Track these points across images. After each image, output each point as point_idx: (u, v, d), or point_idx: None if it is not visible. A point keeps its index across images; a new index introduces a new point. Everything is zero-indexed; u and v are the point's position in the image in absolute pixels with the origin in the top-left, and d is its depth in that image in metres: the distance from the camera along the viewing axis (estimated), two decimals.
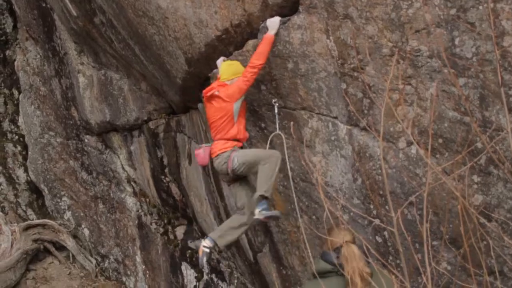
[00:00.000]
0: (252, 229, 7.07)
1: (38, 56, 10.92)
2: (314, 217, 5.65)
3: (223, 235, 5.39)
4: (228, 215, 7.46)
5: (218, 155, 5.39)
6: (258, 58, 5.19)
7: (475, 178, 4.24)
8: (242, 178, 5.56)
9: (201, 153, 5.63)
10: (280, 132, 5.50)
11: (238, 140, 5.45)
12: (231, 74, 5.47)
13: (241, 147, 5.53)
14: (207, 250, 5.31)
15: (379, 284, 3.55)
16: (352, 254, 3.74)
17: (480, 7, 4.00)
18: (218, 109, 5.39)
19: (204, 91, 5.57)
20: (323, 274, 3.79)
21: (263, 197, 5.14)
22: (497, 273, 4.11)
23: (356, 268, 3.67)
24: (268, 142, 5.59)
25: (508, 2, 3.91)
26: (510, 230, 4.13)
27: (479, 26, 4.02)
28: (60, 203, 10.91)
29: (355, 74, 4.84)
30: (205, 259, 5.30)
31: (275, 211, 5.35)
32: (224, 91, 5.34)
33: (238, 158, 5.26)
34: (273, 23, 5.25)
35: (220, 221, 7.76)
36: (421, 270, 3.60)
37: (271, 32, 5.23)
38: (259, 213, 5.14)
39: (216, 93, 5.36)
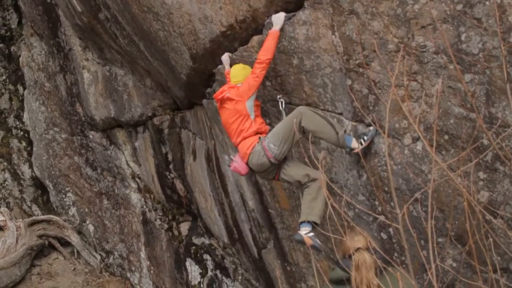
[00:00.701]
0: (257, 225, 7.08)
1: (43, 52, 10.93)
2: None
3: (310, 211, 4.97)
4: (232, 212, 7.47)
5: (250, 153, 5.16)
6: (265, 54, 5.15)
7: (481, 174, 4.22)
8: (283, 161, 5.22)
9: (237, 163, 5.35)
10: None
11: (260, 133, 5.25)
12: (244, 77, 5.37)
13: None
14: (311, 234, 4.89)
15: None
16: (362, 262, 3.60)
17: (487, 3, 3.97)
18: (231, 112, 5.29)
19: (215, 95, 5.49)
20: (340, 282, 3.67)
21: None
22: (498, 270, 4.10)
23: (364, 278, 3.54)
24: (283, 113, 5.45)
25: None
26: None
27: (486, 21, 3.99)
28: (65, 199, 10.94)
29: (361, 70, 4.82)
30: (317, 240, 4.88)
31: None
32: (235, 91, 5.28)
33: (273, 142, 5.02)
34: (278, 19, 5.22)
35: (225, 217, 7.77)
36: (427, 267, 3.58)
37: (276, 27, 5.20)
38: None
39: (227, 95, 5.30)
